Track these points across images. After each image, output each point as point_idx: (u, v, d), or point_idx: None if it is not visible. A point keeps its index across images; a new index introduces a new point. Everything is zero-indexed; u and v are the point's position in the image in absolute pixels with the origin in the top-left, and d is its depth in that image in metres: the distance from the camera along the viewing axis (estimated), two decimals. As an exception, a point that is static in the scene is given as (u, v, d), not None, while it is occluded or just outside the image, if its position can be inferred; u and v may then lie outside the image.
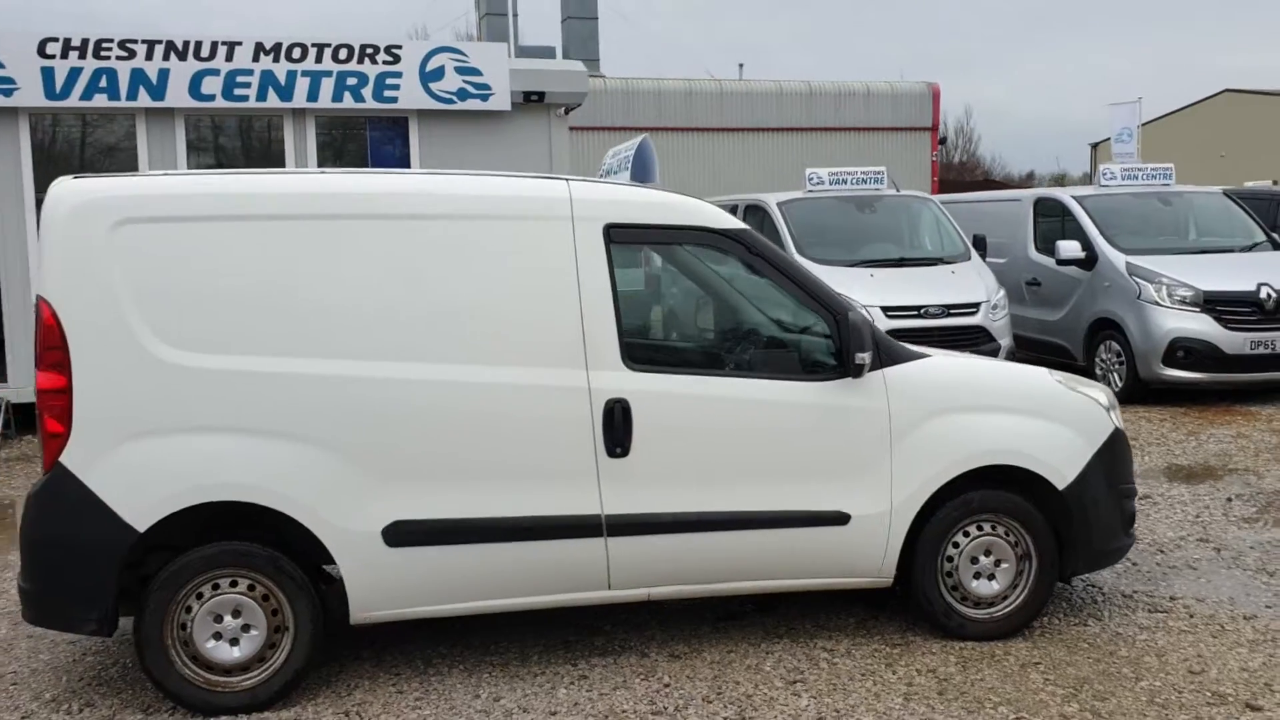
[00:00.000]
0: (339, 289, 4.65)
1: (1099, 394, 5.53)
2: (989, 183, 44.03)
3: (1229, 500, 7.63)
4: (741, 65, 52.84)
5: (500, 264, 4.80)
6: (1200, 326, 10.83)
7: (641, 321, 5.19)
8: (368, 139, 12.22)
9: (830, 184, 12.59)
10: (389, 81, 11.67)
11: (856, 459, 5.05)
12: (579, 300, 4.81)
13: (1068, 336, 12.24)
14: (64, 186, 4.59)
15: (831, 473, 5.03)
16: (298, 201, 4.70)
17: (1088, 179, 54.01)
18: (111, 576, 4.49)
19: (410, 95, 11.75)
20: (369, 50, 11.63)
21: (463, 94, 11.93)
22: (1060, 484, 5.21)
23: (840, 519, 5.03)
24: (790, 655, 5.10)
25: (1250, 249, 11.93)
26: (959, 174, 50.13)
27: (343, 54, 11.55)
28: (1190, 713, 4.49)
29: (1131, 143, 33.67)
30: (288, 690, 4.68)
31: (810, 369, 5.11)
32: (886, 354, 5.13)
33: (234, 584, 4.61)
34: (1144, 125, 43.43)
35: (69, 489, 4.45)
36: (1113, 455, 5.39)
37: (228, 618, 4.60)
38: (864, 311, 5.11)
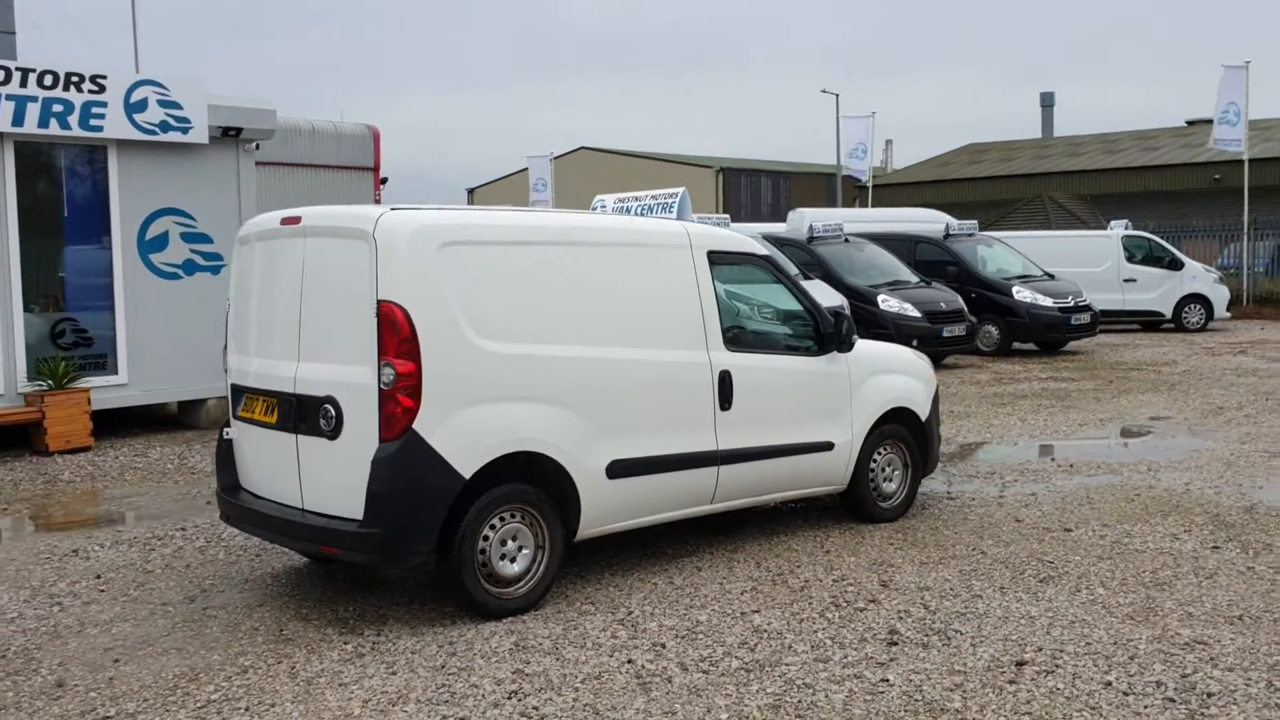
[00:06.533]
0: (579, 293, 6.37)
1: (927, 360, 8.66)
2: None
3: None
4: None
5: (656, 277, 6.78)
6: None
7: (726, 317, 7.33)
8: (62, 166, 12.19)
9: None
10: (95, 110, 11.85)
11: (836, 405, 7.66)
12: (700, 301, 6.92)
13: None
14: (396, 217, 5.83)
15: (825, 415, 7.60)
16: (556, 232, 6.42)
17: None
18: (443, 515, 5.80)
19: (115, 125, 12.01)
20: (74, 78, 11.73)
21: (165, 126, 12.40)
22: (923, 417, 8.23)
23: (829, 446, 7.61)
24: (801, 541, 7.54)
25: (807, 278, 16.08)
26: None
27: (48, 80, 11.55)
28: (1042, 533, 7.66)
29: (546, 191, 38.53)
30: (544, 594, 6.24)
31: (813, 348, 7.63)
32: (850, 337, 7.82)
33: (513, 515, 6.10)
34: (517, 173, 48.56)
35: (418, 449, 5.70)
36: (937, 398, 8.54)
37: (509, 541, 6.08)
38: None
